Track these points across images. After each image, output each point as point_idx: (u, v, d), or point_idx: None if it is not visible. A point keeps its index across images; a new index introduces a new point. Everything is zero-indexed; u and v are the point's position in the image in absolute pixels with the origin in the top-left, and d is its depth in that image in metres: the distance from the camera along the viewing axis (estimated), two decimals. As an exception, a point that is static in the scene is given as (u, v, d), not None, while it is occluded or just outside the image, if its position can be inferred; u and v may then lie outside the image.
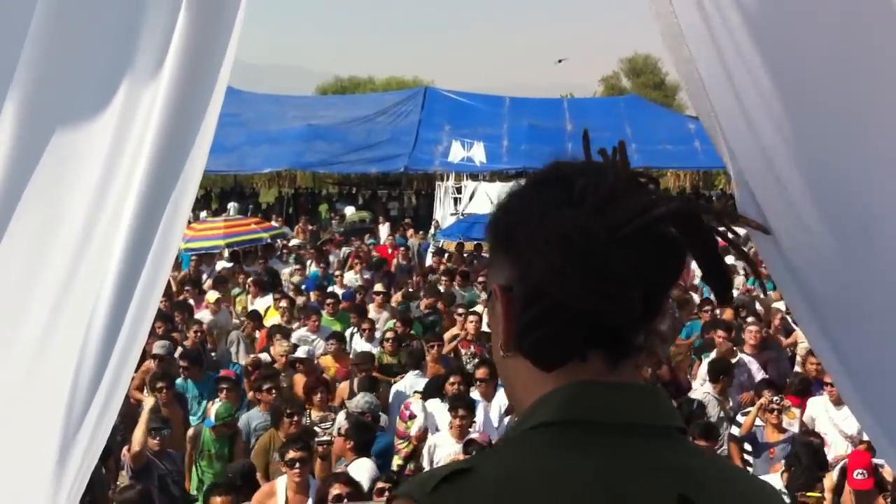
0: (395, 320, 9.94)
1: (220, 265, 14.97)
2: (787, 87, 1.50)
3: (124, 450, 6.03)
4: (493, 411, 6.85)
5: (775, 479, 5.53)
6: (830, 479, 5.68)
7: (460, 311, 9.89)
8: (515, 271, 1.01)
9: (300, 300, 11.70)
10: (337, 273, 13.88)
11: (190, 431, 6.84)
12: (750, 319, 9.12)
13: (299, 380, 7.88)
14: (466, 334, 8.85)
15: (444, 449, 6.21)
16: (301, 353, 8.18)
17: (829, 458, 6.44)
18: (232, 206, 26.15)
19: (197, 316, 10.34)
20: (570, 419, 0.96)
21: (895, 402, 1.56)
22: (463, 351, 8.69)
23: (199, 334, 8.95)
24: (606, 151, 1.13)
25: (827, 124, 1.50)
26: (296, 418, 6.39)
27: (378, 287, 11.76)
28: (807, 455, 5.44)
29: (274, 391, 7.08)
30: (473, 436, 6.00)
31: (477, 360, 7.94)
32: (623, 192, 1.00)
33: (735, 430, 6.93)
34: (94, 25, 1.60)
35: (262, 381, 7.21)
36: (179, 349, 8.57)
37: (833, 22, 1.45)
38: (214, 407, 6.76)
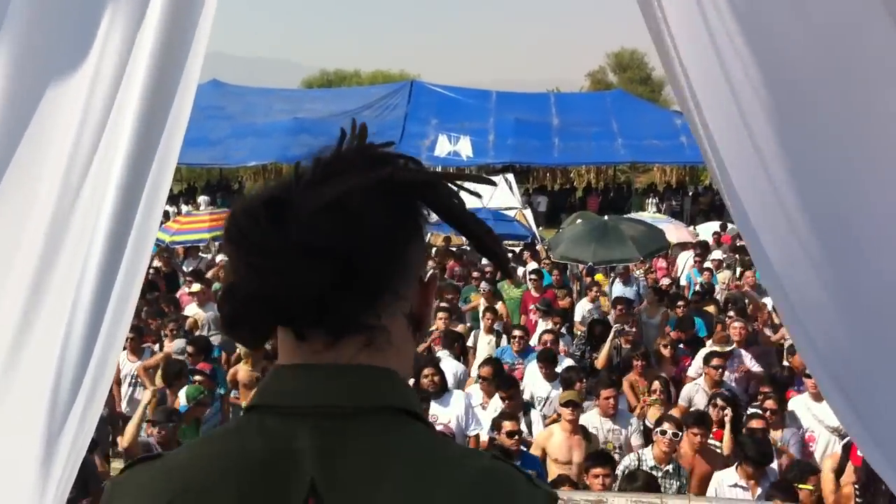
0: None
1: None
2: (777, 84, 1.50)
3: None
4: (489, 409, 6.82)
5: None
6: (834, 459, 5.70)
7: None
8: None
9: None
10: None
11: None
12: (731, 314, 9.16)
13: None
14: (439, 332, 8.71)
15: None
16: None
17: (818, 452, 6.49)
18: (203, 199, 25.86)
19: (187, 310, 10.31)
20: (256, 404, 0.99)
21: (876, 400, 1.57)
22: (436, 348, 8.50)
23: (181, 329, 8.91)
24: (344, 131, 1.07)
25: (815, 123, 1.51)
26: None
27: None
28: (754, 449, 5.46)
29: None
30: (438, 428, 5.94)
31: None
32: (342, 171, 0.99)
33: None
34: (66, 15, 1.58)
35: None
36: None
37: (824, 21, 1.46)
38: (183, 391, 6.74)
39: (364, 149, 1.05)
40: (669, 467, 5.62)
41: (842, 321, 1.56)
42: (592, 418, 6.53)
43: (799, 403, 6.82)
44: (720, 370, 7.25)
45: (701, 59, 1.55)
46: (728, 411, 6.35)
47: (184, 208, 22.36)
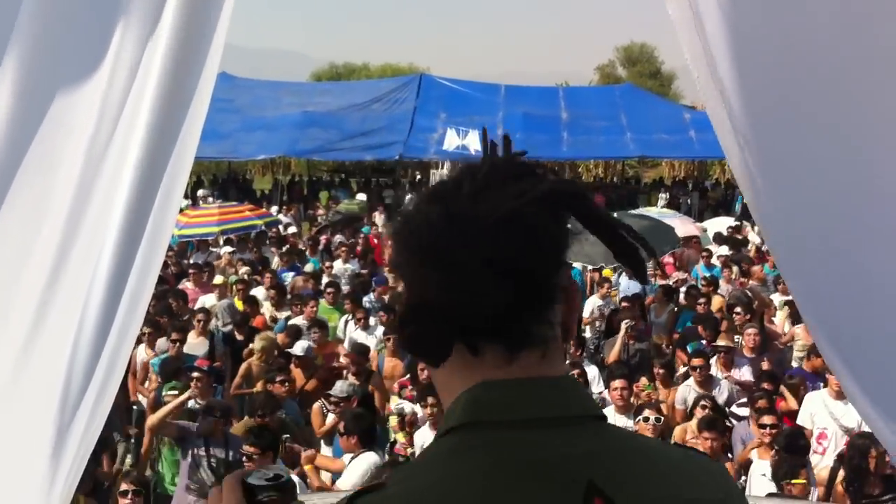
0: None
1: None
2: (815, 77, 1.49)
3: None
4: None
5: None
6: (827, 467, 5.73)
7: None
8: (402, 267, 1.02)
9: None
10: (327, 264, 13.85)
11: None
12: (738, 311, 9.11)
13: (298, 375, 7.91)
14: None
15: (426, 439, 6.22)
16: (298, 349, 8.13)
17: (828, 451, 6.47)
18: (202, 192, 25.88)
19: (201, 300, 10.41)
20: (471, 421, 0.96)
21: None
22: None
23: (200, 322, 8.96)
24: (496, 144, 1.09)
25: (842, 118, 1.50)
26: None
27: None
28: (784, 440, 5.47)
29: (286, 383, 7.12)
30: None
31: None
32: (499, 182, 0.99)
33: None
34: (80, 14, 1.59)
35: (275, 372, 7.29)
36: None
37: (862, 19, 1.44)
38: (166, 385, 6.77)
39: (511, 160, 1.06)
40: None
41: (858, 307, 1.55)
42: (609, 414, 6.53)
43: (816, 399, 6.79)
44: (701, 370, 7.24)
45: (730, 45, 1.53)
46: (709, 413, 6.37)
47: (183, 202, 22.37)
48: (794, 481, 5.11)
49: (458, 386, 0.99)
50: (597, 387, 7.47)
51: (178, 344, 8.10)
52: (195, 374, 7.07)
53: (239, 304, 10.35)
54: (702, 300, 10.05)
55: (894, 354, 1.53)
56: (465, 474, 0.92)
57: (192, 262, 13.86)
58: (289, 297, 10.97)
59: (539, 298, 0.97)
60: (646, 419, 5.74)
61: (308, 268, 13.14)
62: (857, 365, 1.57)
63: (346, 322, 9.83)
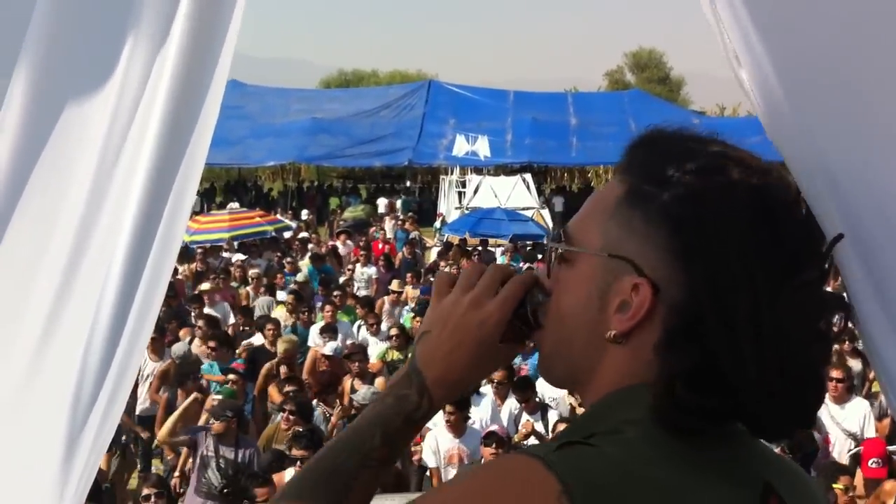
0: (412, 314, 10.01)
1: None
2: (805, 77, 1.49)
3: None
4: (503, 412, 6.85)
5: None
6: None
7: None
8: (680, 293, 0.89)
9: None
10: (348, 268, 13.89)
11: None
12: None
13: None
14: None
15: (444, 443, 6.22)
16: (328, 350, 8.20)
17: (833, 455, 6.46)
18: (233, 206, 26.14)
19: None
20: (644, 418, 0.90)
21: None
22: None
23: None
24: (806, 207, 1.01)
25: (835, 118, 1.49)
26: (293, 416, 6.38)
27: (395, 285, 11.78)
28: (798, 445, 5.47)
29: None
30: (493, 428, 5.98)
31: None
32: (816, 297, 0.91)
33: None
34: (92, 17, 1.60)
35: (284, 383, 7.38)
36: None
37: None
38: (217, 394, 6.82)
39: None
40: None
41: (864, 320, 1.54)
42: None
43: (818, 405, 6.79)
44: None
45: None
46: None
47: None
48: (833, 486, 5.08)
49: (637, 376, 0.92)
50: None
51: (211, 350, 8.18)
52: (231, 377, 7.16)
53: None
54: None
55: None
56: (664, 457, 0.86)
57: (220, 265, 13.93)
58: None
59: None
60: None
61: (300, 276, 13.13)
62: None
63: (360, 327, 9.87)
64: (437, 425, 6.37)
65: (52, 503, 1.54)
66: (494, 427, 6.01)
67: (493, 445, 5.57)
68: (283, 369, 7.88)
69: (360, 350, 8.23)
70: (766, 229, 0.89)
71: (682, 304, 0.88)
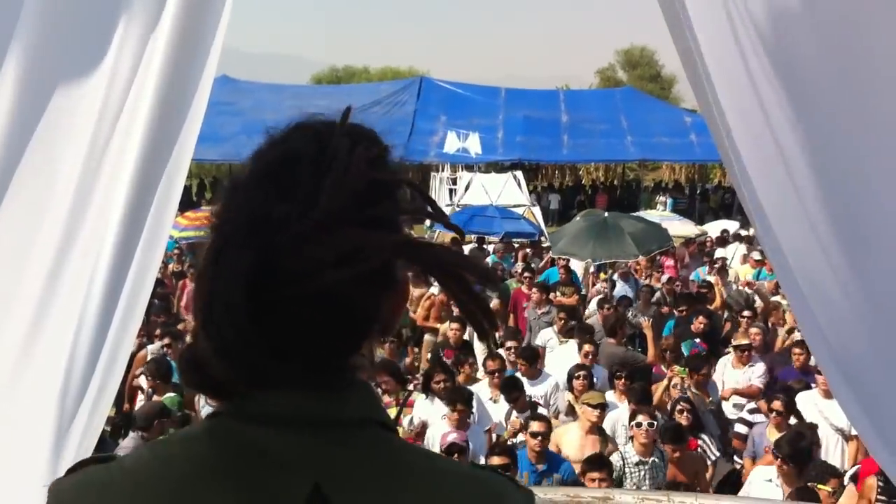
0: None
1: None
2: (794, 82, 1.50)
3: None
4: (500, 402, 6.83)
5: (770, 470, 5.56)
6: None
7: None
8: (196, 278, 0.94)
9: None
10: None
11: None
12: (746, 313, 9.23)
13: None
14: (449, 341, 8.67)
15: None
16: None
17: (823, 450, 6.49)
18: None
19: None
20: (227, 412, 0.92)
21: (886, 397, 1.57)
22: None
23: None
24: (346, 149, 0.91)
25: (832, 121, 1.50)
26: None
27: None
28: (788, 445, 5.45)
29: None
30: (453, 437, 5.65)
31: (485, 355, 7.88)
32: (339, 220, 0.86)
33: (742, 429, 6.97)
34: (83, 9, 1.60)
35: None
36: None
37: (839, 18, 1.45)
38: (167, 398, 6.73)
39: (364, 184, 0.89)
40: (654, 458, 5.64)
41: (855, 318, 1.56)
42: (623, 416, 6.50)
43: (807, 399, 6.81)
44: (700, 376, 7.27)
45: (720, 50, 1.54)
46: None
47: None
48: (820, 486, 5.08)
49: None
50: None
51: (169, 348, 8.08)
52: None
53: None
54: (682, 307, 9.98)
55: (886, 360, 1.54)
56: (179, 455, 0.90)
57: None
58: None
59: (340, 360, 0.94)
60: (639, 425, 5.69)
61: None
62: (849, 369, 1.58)
63: None
64: (437, 423, 6.34)
65: (42, 497, 1.54)
66: (454, 436, 5.68)
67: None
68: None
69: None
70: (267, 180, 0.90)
71: None
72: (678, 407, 6.51)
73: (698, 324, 8.91)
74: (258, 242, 0.85)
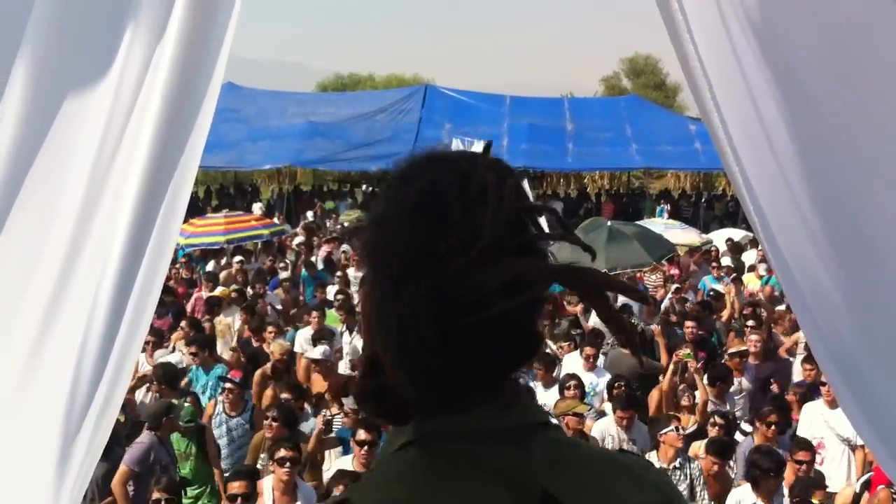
0: None
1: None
2: (793, 88, 1.50)
3: None
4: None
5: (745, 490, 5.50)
6: (845, 496, 5.69)
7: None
8: (374, 312, 0.97)
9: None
10: (339, 274, 13.84)
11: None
12: (751, 323, 9.22)
13: (317, 380, 7.89)
14: None
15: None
16: (317, 353, 8.08)
17: (826, 461, 6.46)
18: (257, 206, 26.93)
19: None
20: (433, 434, 0.97)
21: (888, 404, 1.56)
22: None
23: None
24: (494, 182, 0.97)
25: (830, 127, 1.50)
26: (276, 423, 6.31)
27: None
28: (765, 460, 5.41)
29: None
30: None
31: None
32: (498, 250, 0.92)
33: (739, 437, 6.95)
34: (90, 17, 1.60)
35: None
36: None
37: (839, 23, 1.45)
38: (182, 412, 6.72)
39: (514, 216, 0.96)
40: (677, 462, 5.66)
41: (857, 326, 1.55)
42: (610, 427, 6.52)
43: (813, 410, 6.79)
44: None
45: (720, 62, 1.55)
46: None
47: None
48: (812, 500, 5.07)
49: None
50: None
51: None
52: (227, 386, 7.03)
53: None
54: (690, 324, 9.94)
55: (889, 368, 1.53)
56: (428, 483, 0.94)
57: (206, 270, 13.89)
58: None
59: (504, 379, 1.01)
60: (677, 429, 5.80)
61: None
62: (853, 378, 1.57)
63: (342, 332, 9.82)
64: None
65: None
66: None
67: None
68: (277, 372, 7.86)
69: None
70: (425, 214, 0.95)
71: (372, 341, 0.99)
72: (711, 420, 6.53)
73: (687, 329, 8.85)
74: (429, 274, 0.91)
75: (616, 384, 7.12)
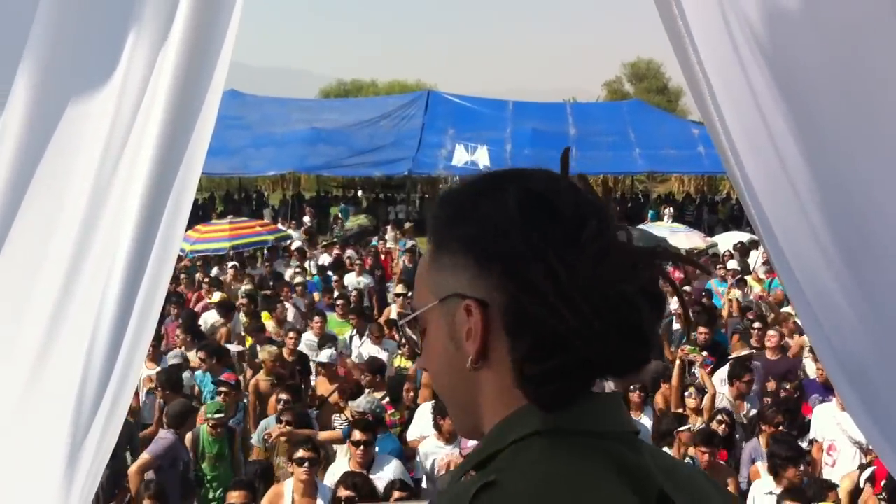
0: None
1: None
2: (795, 91, 1.50)
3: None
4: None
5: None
6: (851, 479, 5.70)
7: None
8: (499, 294, 0.98)
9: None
10: (335, 278, 13.84)
11: (189, 434, 6.84)
12: (757, 325, 9.23)
13: (321, 383, 7.92)
14: None
15: (437, 454, 6.18)
16: (323, 357, 8.12)
17: (838, 463, 6.45)
18: (267, 212, 27.12)
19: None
20: (558, 429, 0.96)
21: (893, 405, 1.57)
22: None
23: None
24: (594, 189, 1.06)
25: (833, 129, 1.51)
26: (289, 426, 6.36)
27: (399, 289, 11.76)
28: (783, 449, 5.46)
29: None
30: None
31: None
32: (613, 246, 0.98)
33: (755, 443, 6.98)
34: (93, 25, 1.61)
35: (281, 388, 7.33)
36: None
37: (841, 25, 1.46)
38: (206, 407, 6.79)
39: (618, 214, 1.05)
40: (687, 459, 5.74)
41: (860, 326, 1.56)
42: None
43: (825, 412, 6.78)
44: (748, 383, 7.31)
45: (723, 65, 1.55)
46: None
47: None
48: None
49: (517, 398, 0.99)
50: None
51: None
52: (222, 389, 7.12)
53: (244, 319, 10.38)
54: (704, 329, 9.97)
55: (893, 368, 1.54)
56: (576, 472, 0.92)
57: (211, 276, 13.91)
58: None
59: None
60: (689, 429, 5.91)
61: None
62: (858, 381, 1.58)
63: (352, 336, 9.83)
64: (427, 437, 6.36)
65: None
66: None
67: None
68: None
69: (379, 368, 8.04)
70: (538, 211, 0.98)
71: (505, 304, 0.98)
72: (718, 417, 6.59)
73: (700, 335, 8.86)
74: (572, 259, 0.94)
75: (631, 388, 7.15)
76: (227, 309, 10.56)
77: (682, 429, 6.02)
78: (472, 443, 4.93)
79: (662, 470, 0.99)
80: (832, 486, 5.41)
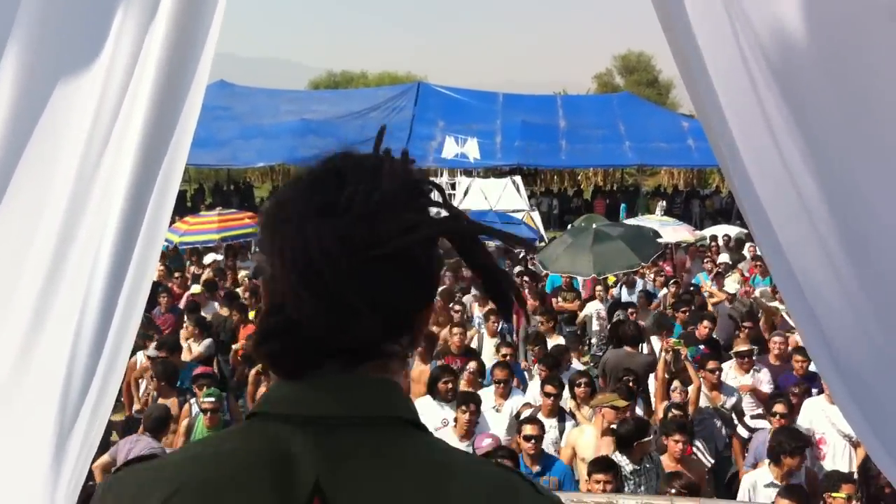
0: None
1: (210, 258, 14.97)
2: (801, 91, 1.50)
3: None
4: (504, 411, 6.82)
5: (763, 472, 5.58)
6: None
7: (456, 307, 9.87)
8: (269, 269, 1.00)
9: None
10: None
11: (183, 423, 6.80)
12: (747, 323, 9.26)
13: None
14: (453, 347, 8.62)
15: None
16: None
17: (828, 456, 6.48)
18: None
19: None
20: (258, 412, 1.00)
21: (886, 403, 1.57)
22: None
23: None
24: (390, 152, 1.09)
25: (837, 128, 1.50)
26: None
27: None
28: (788, 440, 5.48)
29: None
30: (488, 442, 5.55)
31: (494, 361, 7.87)
32: (394, 205, 0.98)
33: (743, 432, 6.98)
34: (78, 14, 1.60)
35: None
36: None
37: (838, 21, 1.45)
38: (202, 393, 6.74)
39: (409, 180, 1.04)
40: (645, 465, 5.62)
41: (855, 322, 1.55)
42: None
43: (814, 405, 6.80)
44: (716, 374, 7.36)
45: (719, 57, 1.54)
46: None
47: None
48: (834, 495, 5.07)
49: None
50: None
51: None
52: (202, 382, 7.06)
53: (224, 311, 10.35)
54: (683, 308, 10.07)
55: (884, 364, 1.54)
56: (213, 454, 0.97)
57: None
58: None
59: (398, 327, 1.01)
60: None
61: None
62: (848, 375, 1.58)
63: None
64: (442, 429, 6.30)
65: (45, 502, 1.54)
66: (489, 441, 5.54)
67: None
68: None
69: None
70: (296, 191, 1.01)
71: (271, 291, 1.00)
72: (671, 414, 6.55)
73: (703, 329, 8.88)
74: (331, 221, 0.95)
75: (623, 377, 7.15)
76: (233, 299, 10.55)
77: (643, 440, 5.81)
78: (486, 441, 4.88)
79: (362, 462, 0.95)
80: (848, 478, 5.40)
